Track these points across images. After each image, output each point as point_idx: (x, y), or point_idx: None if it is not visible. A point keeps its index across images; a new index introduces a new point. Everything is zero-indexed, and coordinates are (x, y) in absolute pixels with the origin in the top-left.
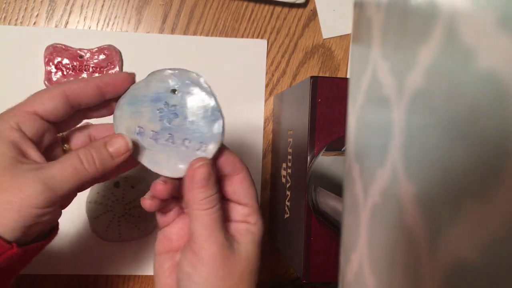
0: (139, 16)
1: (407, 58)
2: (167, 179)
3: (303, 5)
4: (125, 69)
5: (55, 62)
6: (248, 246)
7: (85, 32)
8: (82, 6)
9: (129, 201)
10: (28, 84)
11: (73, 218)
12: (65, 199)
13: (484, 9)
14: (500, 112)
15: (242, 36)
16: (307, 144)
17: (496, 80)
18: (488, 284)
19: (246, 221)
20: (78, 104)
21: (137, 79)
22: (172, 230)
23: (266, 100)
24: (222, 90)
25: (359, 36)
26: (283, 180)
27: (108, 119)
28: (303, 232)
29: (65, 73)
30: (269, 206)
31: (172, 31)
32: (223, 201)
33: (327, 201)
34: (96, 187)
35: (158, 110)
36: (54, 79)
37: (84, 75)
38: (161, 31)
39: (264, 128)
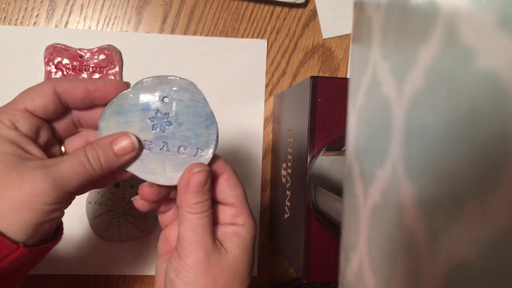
0: (139, 16)
1: (407, 58)
2: (154, 184)
3: (303, 5)
4: (125, 69)
5: (55, 62)
6: (236, 251)
7: (85, 32)
8: (82, 6)
9: (129, 201)
10: (28, 84)
11: (73, 218)
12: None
13: (484, 9)
14: (500, 112)
15: (242, 36)
16: (307, 144)
17: (496, 80)
18: (488, 284)
19: (233, 223)
20: (66, 103)
21: (137, 79)
22: (170, 231)
23: (266, 100)
24: (222, 90)
25: (359, 36)
26: (283, 180)
27: None
28: (303, 232)
29: (65, 73)
30: (269, 206)
31: (172, 31)
32: (212, 204)
33: (327, 201)
34: None
35: (149, 119)
36: None
37: (84, 75)
38: (161, 31)
39: (264, 128)
